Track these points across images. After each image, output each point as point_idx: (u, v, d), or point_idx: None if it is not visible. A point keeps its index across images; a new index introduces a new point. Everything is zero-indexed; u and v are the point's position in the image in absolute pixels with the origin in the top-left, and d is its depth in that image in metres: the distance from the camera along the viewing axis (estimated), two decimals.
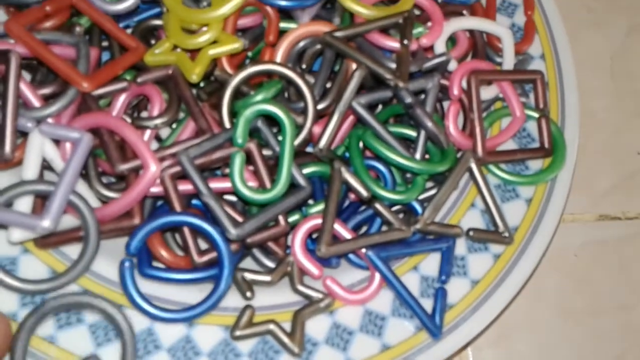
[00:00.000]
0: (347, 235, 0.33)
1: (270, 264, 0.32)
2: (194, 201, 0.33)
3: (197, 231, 0.31)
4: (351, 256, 0.33)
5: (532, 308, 0.38)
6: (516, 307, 0.38)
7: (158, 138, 0.35)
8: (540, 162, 0.38)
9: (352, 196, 0.35)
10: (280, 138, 0.33)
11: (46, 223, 0.28)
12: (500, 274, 0.34)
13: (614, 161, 0.44)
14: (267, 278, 0.32)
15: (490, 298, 0.33)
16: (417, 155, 0.35)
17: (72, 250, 0.30)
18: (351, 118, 0.35)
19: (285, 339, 0.30)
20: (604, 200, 0.43)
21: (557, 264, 0.40)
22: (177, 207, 0.31)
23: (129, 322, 0.28)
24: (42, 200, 0.30)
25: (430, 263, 0.34)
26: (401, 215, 0.35)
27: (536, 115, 0.38)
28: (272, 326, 0.30)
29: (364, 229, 0.35)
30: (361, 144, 0.35)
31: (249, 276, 0.32)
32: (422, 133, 0.35)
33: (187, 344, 0.29)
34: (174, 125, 0.34)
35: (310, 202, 0.34)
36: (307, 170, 0.34)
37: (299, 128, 0.33)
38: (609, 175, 0.44)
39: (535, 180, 0.37)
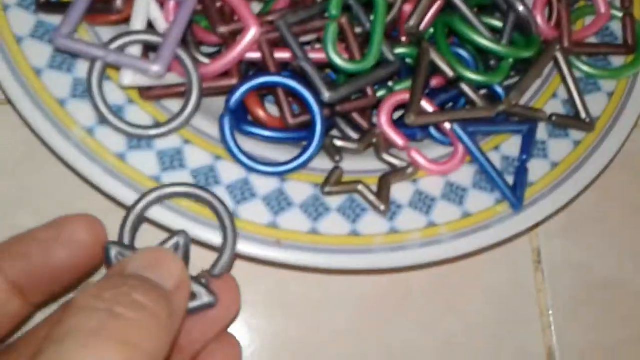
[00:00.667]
0: (432, 109, 0.34)
1: (354, 136, 0.34)
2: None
3: (291, 94, 0.32)
4: (435, 133, 0.34)
5: (604, 205, 0.39)
6: (589, 202, 0.38)
7: None
8: (622, 59, 0.38)
9: (434, 82, 0.36)
10: (371, 17, 0.34)
11: (157, 67, 0.29)
12: (580, 159, 0.35)
13: None
14: (355, 145, 0.33)
15: (569, 180, 0.34)
16: (504, 41, 0.35)
17: (174, 105, 0.32)
18: (440, 2, 0.36)
19: (372, 197, 0.31)
20: None
21: (630, 166, 0.41)
22: (274, 70, 0.32)
23: (233, 220, 0.28)
24: (147, 53, 0.31)
25: (512, 144, 0.35)
26: None
27: (620, 14, 0.38)
28: (360, 186, 0.31)
29: None
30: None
31: (337, 142, 0.33)
32: (511, 16, 0.35)
33: (281, 195, 0.31)
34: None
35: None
36: (396, 51, 0.35)
37: (390, 5, 0.34)
38: None
39: (617, 75, 0.37)
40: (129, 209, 0.27)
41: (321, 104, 0.32)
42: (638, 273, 0.37)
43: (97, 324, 0.18)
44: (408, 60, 0.36)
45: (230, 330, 0.32)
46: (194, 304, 0.25)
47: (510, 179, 0.33)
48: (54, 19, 0.31)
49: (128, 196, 0.29)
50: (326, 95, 0.32)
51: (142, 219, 0.28)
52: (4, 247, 0.24)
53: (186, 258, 0.26)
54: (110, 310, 0.19)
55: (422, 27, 0.36)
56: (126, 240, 0.27)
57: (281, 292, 0.33)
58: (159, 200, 0.28)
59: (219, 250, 0.27)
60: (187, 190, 0.28)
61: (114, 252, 0.25)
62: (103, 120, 0.30)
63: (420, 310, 0.34)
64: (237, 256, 0.29)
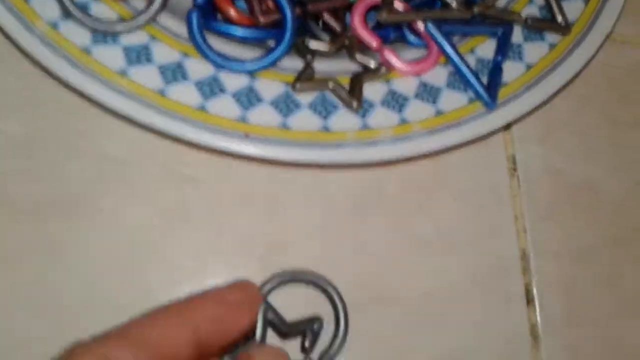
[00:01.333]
0: (406, 9, 0.33)
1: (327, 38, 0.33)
2: None
3: None
4: (408, 34, 0.34)
5: (578, 113, 0.39)
6: (565, 109, 0.38)
7: None
8: None
9: None
10: None
11: None
12: (554, 62, 0.34)
13: None
14: (327, 46, 0.32)
15: (543, 81, 0.33)
16: None
17: (140, 4, 0.31)
18: None
19: (345, 95, 0.31)
20: None
21: (606, 78, 0.40)
22: None
23: (342, 297, 0.30)
24: None
25: (487, 47, 0.34)
26: None
27: None
28: (331, 83, 0.31)
29: None
30: None
31: (309, 42, 0.32)
32: None
33: (250, 92, 0.30)
34: None
35: None
36: None
37: None
38: None
39: None
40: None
41: (292, 2, 0.31)
42: (612, 179, 0.37)
43: None
44: None
45: (197, 226, 0.32)
46: None
47: (485, 81, 0.33)
48: None
49: (95, 89, 0.28)
50: None
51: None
52: (198, 305, 0.24)
53: (313, 344, 0.29)
54: None
55: None
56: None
57: (256, 192, 0.33)
58: (282, 283, 0.30)
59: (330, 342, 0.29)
60: (311, 279, 0.30)
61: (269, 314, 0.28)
62: (67, 14, 0.29)
63: (394, 212, 0.34)
64: (207, 149, 0.28)
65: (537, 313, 0.34)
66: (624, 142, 0.39)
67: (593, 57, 0.35)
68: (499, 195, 0.36)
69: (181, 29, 0.31)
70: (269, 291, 0.30)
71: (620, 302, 0.35)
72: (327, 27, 0.34)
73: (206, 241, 0.31)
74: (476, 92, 0.32)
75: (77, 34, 0.29)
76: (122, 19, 0.30)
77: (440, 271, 0.34)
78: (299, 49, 0.32)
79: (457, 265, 0.34)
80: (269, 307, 0.28)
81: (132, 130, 0.31)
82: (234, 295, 0.25)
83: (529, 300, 0.34)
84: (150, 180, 0.31)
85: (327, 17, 0.33)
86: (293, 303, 0.30)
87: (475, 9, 0.34)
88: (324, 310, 0.30)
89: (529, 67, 0.34)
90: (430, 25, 0.32)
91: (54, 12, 0.30)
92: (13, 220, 0.30)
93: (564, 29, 0.35)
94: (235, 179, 0.32)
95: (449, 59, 0.33)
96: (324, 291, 0.30)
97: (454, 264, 0.34)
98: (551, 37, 0.35)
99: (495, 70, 0.33)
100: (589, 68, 0.38)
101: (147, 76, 0.29)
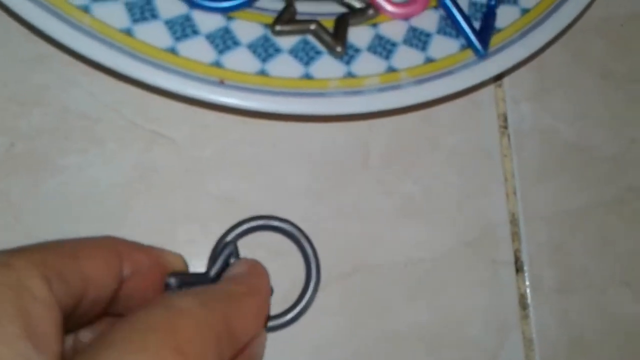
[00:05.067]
0: None
1: None
2: None
3: None
4: None
5: (573, 68, 0.37)
6: (557, 65, 0.36)
7: None
8: None
9: None
10: None
11: None
12: (550, 7, 0.32)
13: None
14: None
15: (538, 27, 0.31)
16: None
17: None
18: None
19: (328, 38, 0.28)
20: None
21: (602, 31, 0.38)
22: None
23: (315, 251, 0.29)
24: None
25: None
26: None
27: None
28: (314, 25, 0.29)
29: None
30: None
31: None
32: None
33: (226, 34, 0.28)
34: None
35: None
36: None
37: None
38: None
39: None
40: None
41: None
42: (605, 139, 0.36)
43: None
44: None
45: (169, 188, 0.29)
46: None
47: (477, 26, 0.31)
48: None
49: (52, 28, 0.26)
50: None
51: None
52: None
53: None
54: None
55: None
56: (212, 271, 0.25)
57: (232, 152, 0.31)
58: (246, 233, 0.29)
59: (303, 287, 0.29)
60: (278, 225, 0.29)
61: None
62: None
63: (379, 174, 0.32)
64: (177, 98, 0.26)
65: (527, 281, 0.32)
66: (619, 98, 0.37)
67: (590, 4, 0.33)
68: (489, 155, 0.34)
69: None
70: (236, 237, 0.28)
71: (612, 268, 0.34)
72: None
73: (179, 204, 0.29)
74: (467, 39, 0.30)
75: None
76: None
77: (427, 236, 0.32)
78: None
79: (445, 230, 0.32)
80: (180, 274, 0.24)
81: (97, 81, 0.28)
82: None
83: (518, 269, 0.32)
84: (116, 138, 0.29)
85: None
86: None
87: None
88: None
89: (524, 11, 0.32)
90: None
91: None
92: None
93: None
94: (210, 136, 0.30)
95: (439, 2, 0.30)
96: (293, 237, 0.29)
97: (442, 229, 0.32)
98: None
99: (489, 15, 0.31)
100: (583, 20, 0.37)
101: (112, 13, 0.27)
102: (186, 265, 0.25)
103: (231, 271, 0.24)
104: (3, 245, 0.25)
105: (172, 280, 0.23)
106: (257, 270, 0.24)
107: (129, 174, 0.29)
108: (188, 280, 0.24)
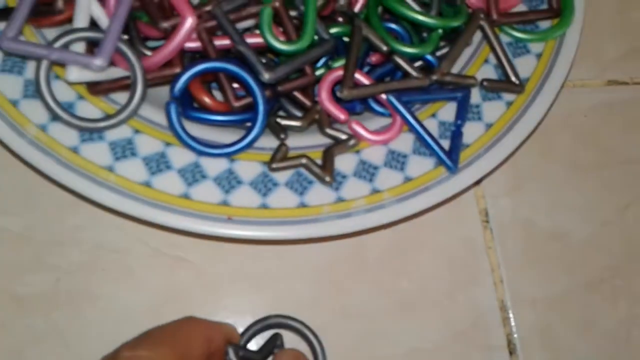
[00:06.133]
0: (368, 83, 0.35)
1: (300, 115, 0.35)
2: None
3: (233, 78, 0.34)
4: (374, 104, 0.36)
5: (544, 162, 0.41)
6: (529, 161, 0.41)
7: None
8: (550, 22, 0.40)
9: (373, 59, 0.38)
10: None
11: (99, 61, 0.31)
12: (512, 119, 0.37)
13: (623, 31, 0.46)
14: (298, 123, 0.35)
15: (503, 139, 0.36)
16: (432, 12, 0.37)
17: (122, 98, 0.34)
18: None
19: (317, 170, 0.33)
20: (613, 66, 0.45)
21: (567, 124, 0.43)
22: (214, 56, 0.34)
23: (321, 342, 0.33)
24: (92, 50, 0.33)
25: (448, 110, 0.37)
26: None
27: None
28: (304, 160, 0.33)
29: None
30: (380, 10, 0.38)
31: (281, 120, 0.35)
32: None
33: (230, 175, 0.33)
34: None
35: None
36: (331, 31, 0.37)
37: None
38: (618, 44, 0.46)
39: (544, 37, 0.39)
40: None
41: (262, 85, 0.34)
42: (579, 224, 0.39)
43: None
44: (346, 39, 0.37)
45: (190, 305, 0.34)
46: None
47: (447, 143, 0.35)
48: (1, 25, 0.33)
49: (84, 187, 0.30)
50: (265, 76, 0.33)
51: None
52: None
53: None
54: None
55: (357, 7, 0.38)
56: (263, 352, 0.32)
57: (244, 269, 0.35)
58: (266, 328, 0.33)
59: None
60: (287, 323, 0.33)
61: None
62: (54, 116, 0.32)
63: (375, 276, 0.36)
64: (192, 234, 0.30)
65: None
66: (588, 185, 0.41)
67: (549, 109, 0.38)
68: (475, 248, 0.38)
69: (163, 118, 0.33)
70: (250, 337, 0.33)
71: (597, 346, 0.37)
72: (298, 103, 0.36)
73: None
74: (439, 158, 0.34)
75: (65, 135, 0.32)
76: (106, 115, 0.33)
77: (424, 328, 0.36)
78: (272, 127, 0.35)
79: (440, 321, 0.36)
80: (237, 347, 0.30)
81: (124, 219, 0.33)
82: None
83: (511, 352, 0.36)
84: (143, 265, 0.34)
85: (297, 94, 0.36)
86: None
87: (433, 77, 0.36)
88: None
89: (488, 126, 0.36)
90: (392, 98, 0.35)
91: (42, 115, 0.32)
92: (20, 312, 0.32)
93: (518, 87, 0.37)
94: (224, 258, 0.35)
95: (411, 128, 0.35)
96: (300, 333, 0.33)
97: (437, 320, 0.36)
98: (508, 95, 0.37)
99: (456, 135, 0.35)
100: (549, 116, 0.41)
101: (132, 169, 0.32)
102: (238, 334, 0.31)
103: (282, 357, 0.29)
104: None
105: (231, 351, 0.29)
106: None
107: (157, 297, 0.33)
108: (244, 355, 0.30)
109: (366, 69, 0.38)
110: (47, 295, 0.33)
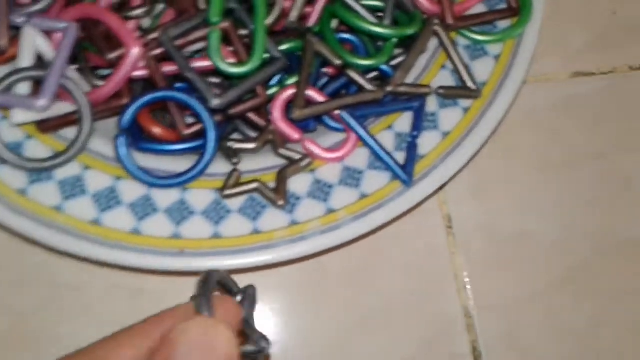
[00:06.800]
0: (321, 100, 0.35)
1: (254, 135, 0.35)
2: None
3: (182, 106, 0.34)
4: (328, 120, 0.36)
5: (508, 164, 0.40)
6: (493, 163, 0.40)
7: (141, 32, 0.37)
8: (508, 21, 0.39)
9: (330, 71, 0.37)
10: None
11: (42, 101, 0.31)
12: (470, 125, 0.36)
13: (587, 21, 0.45)
14: (251, 145, 0.34)
15: (460, 147, 0.35)
16: (386, 22, 0.37)
17: (71, 133, 0.33)
18: None
19: (270, 194, 0.33)
20: (578, 58, 0.44)
21: (532, 122, 0.42)
22: (162, 84, 0.34)
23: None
24: (39, 88, 0.33)
25: (404, 121, 0.36)
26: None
27: None
28: (257, 184, 0.33)
29: None
30: (334, 24, 0.37)
31: (234, 144, 0.34)
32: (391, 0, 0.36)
33: (182, 205, 0.33)
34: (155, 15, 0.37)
35: None
36: (282, 47, 0.36)
37: (272, 4, 0.35)
38: (583, 34, 0.45)
39: (502, 37, 0.38)
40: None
41: (211, 111, 0.33)
42: (544, 225, 0.39)
43: None
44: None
45: None
46: (248, 348, 0.23)
47: (404, 155, 0.35)
48: None
49: (31, 229, 0.30)
50: (213, 102, 0.33)
51: None
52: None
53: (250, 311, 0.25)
54: None
55: (311, 21, 0.37)
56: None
57: None
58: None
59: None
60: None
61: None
62: (2, 160, 0.32)
63: (339, 292, 0.36)
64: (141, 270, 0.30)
65: None
66: (552, 185, 0.40)
67: (508, 110, 0.37)
68: (439, 255, 0.38)
69: (113, 151, 0.33)
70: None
71: (564, 347, 0.37)
72: (252, 124, 0.36)
73: None
74: (393, 172, 0.34)
75: (13, 177, 0.32)
76: (56, 153, 0.33)
77: (389, 342, 0.36)
78: (225, 152, 0.34)
79: (405, 333, 0.36)
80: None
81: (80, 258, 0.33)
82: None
83: (476, 358, 0.36)
84: (102, 299, 0.34)
85: (250, 115, 0.35)
86: None
87: (387, 88, 0.36)
88: None
89: (445, 134, 0.36)
90: (344, 114, 0.34)
91: None
92: None
93: (475, 93, 0.37)
94: (184, 285, 0.35)
95: (365, 143, 0.35)
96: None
97: (402, 332, 0.36)
98: (465, 101, 0.37)
99: (411, 147, 0.35)
100: (512, 114, 0.40)
101: (81, 208, 0.32)
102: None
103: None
104: None
105: None
106: None
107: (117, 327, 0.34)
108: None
109: (323, 81, 0.37)
110: (1, 337, 0.33)
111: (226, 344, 0.21)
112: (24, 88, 0.32)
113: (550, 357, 0.36)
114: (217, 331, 0.21)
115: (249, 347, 0.23)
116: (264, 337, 0.24)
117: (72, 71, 0.34)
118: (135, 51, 0.33)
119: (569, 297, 0.38)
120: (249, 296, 0.25)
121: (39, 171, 0.32)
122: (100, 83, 0.34)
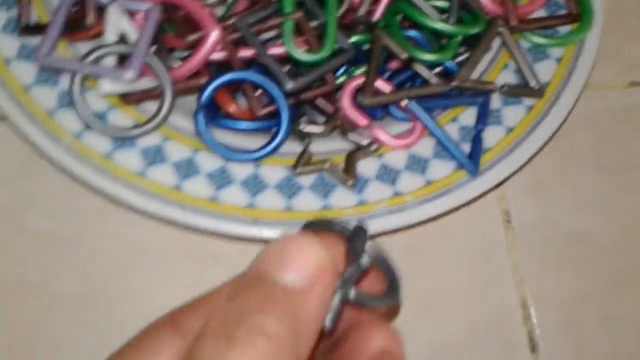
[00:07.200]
0: (388, 90, 0.36)
1: (323, 120, 0.37)
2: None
3: (257, 87, 0.35)
4: (395, 111, 0.37)
5: (566, 163, 0.41)
6: (551, 162, 0.41)
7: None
8: (569, 27, 0.40)
9: (393, 65, 0.39)
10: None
11: (129, 73, 0.32)
12: (533, 123, 0.37)
13: None
14: (321, 129, 0.36)
15: (523, 143, 0.36)
16: (451, 20, 0.38)
17: (151, 107, 0.35)
18: None
19: (341, 174, 0.34)
20: (636, 68, 0.45)
21: (589, 126, 0.43)
22: (239, 67, 0.35)
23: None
24: (122, 62, 0.34)
25: (469, 114, 0.37)
26: None
27: None
28: (327, 164, 0.34)
29: None
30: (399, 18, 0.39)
31: (304, 127, 0.36)
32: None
33: (256, 179, 0.34)
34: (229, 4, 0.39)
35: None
36: (351, 40, 0.38)
37: None
38: None
39: (564, 42, 0.40)
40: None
41: (284, 93, 0.35)
42: (601, 225, 0.40)
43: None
44: (367, 47, 0.38)
45: None
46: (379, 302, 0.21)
47: (469, 147, 0.36)
48: (37, 40, 0.35)
49: (118, 192, 0.32)
50: (287, 85, 0.35)
51: None
52: None
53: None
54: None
55: (376, 15, 0.39)
56: None
57: None
58: None
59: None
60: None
61: None
62: (87, 125, 0.33)
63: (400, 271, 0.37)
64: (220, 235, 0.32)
65: None
66: (611, 187, 0.41)
67: (571, 112, 0.38)
68: (496, 248, 0.39)
69: (191, 125, 0.35)
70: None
71: (619, 345, 0.37)
72: (321, 110, 0.37)
73: None
74: (459, 162, 0.35)
75: (99, 142, 0.33)
76: (137, 124, 0.34)
77: (445, 326, 0.36)
78: (296, 133, 0.36)
79: (462, 319, 0.36)
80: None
81: (155, 222, 0.35)
82: None
83: (533, 348, 0.36)
84: (175, 262, 0.35)
85: (319, 101, 0.37)
86: None
87: (453, 83, 0.37)
88: None
89: (509, 130, 0.37)
90: (412, 104, 0.36)
91: (77, 124, 0.33)
92: (55, 309, 0.33)
93: (538, 92, 0.38)
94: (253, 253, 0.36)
95: (432, 133, 0.36)
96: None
97: (459, 318, 0.36)
98: (528, 99, 0.38)
99: (477, 139, 0.36)
100: (572, 117, 0.41)
101: (163, 174, 0.33)
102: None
103: None
104: None
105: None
106: None
107: (191, 291, 0.35)
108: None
109: (387, 75, 0.38)
110: (80, 292, 0.34)
111: (313, 256, 0.18)
112: (110, 61, 0.34)
113: (605, 351, 0.37)
114: (301, 242, 0.18)
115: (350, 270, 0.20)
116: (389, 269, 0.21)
117: (151, 54, 0.36)
118: (216, 33, 0.35)
119: (626, 299, 0.38)
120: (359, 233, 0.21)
121: (124, 138, 0.33)
122: (176, 64, 0.36)
